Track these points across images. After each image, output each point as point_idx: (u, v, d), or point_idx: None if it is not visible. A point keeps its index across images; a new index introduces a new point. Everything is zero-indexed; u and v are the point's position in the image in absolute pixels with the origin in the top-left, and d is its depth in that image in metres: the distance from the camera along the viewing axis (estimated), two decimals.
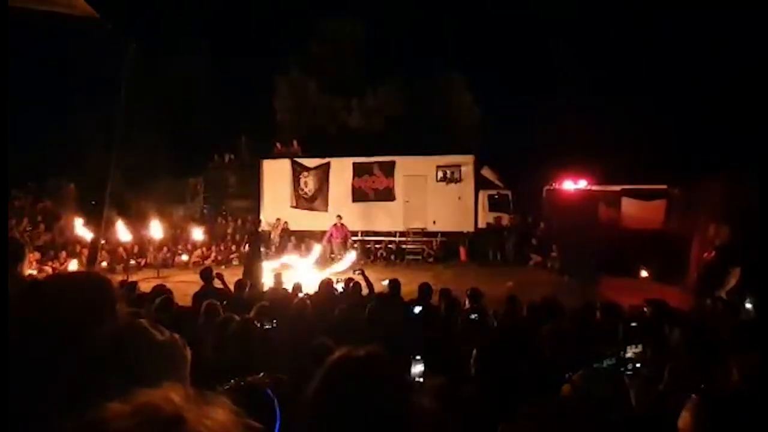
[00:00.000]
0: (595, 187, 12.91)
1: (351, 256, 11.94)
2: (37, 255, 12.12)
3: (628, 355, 2.35)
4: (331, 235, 12.96)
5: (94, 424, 0.50)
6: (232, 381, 1.70)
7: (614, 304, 4.26)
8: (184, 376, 0.96)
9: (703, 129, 15.19)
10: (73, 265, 11.82)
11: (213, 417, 0.54)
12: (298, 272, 9.86)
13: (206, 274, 6.03)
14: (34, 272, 10.28)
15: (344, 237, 12.98)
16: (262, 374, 2.13)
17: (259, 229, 10.42)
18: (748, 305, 4.48)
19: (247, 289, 5.89)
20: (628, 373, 2.35)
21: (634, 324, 3.38)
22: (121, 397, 0.53)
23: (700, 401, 1.21)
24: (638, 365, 2.36)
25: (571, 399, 1.94)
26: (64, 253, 12.66)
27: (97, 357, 0.85)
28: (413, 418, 0.84)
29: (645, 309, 4.26)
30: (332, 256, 12.71)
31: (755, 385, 1.85)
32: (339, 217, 13.17)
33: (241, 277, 7.01)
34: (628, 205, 11.98)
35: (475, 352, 2.59)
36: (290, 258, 11.98)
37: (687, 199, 10.71)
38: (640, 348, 2.39)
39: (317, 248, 12.28)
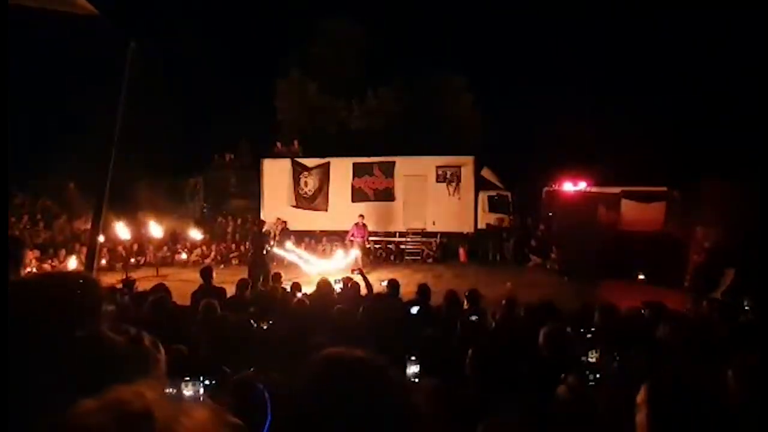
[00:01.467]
0: (594, 189, 12.90)
1: (354, 252, 11.79)
2: (37, 253, 12.13)
3: (591, 359, 2.34)
4: (353, 234, 12.70)
5: (65, 422, 0.50)
6: (224, 368, 1.71)
7: (611, 307, 4.26)
8: (155, 377, 0.95)
9: (703, 131, 15.20)
10: (72, 264, 11.83)
11: (189, 414, 0.54)
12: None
13: (206, 273, 6.02)
14: (34, 270, 10.28)
15: (364, 236, 12.68)
16: (252, 369, 2.13)
17: (263, 230, 10.36)
18: (746, 307, 4.48)
19: (249, 289, 5.89)
20: (591, 383, 2.32)
21: (589, 335, 3.37)
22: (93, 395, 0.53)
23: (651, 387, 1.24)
24: (598, 375, 2.34)
25: (567, 399, 1.95)
26: (63, 251, 12.67)
27: (61, 366, 0.84)
28: (404, 420, 0.84)
29: (643, 311, 4.26)
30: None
31: (753, 386, 1.84)
32: (361, 216, 12.83)
33: (241, 276, 7.01)
34: (627, 207, 11.97)
35: (471, 352, 2.59)
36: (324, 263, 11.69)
37: (687, 202, 10.71)
38: (598, 353, 2.37)
39: (354, 252, 11.96)
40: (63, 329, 0.92)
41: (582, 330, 3.39)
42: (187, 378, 1.10)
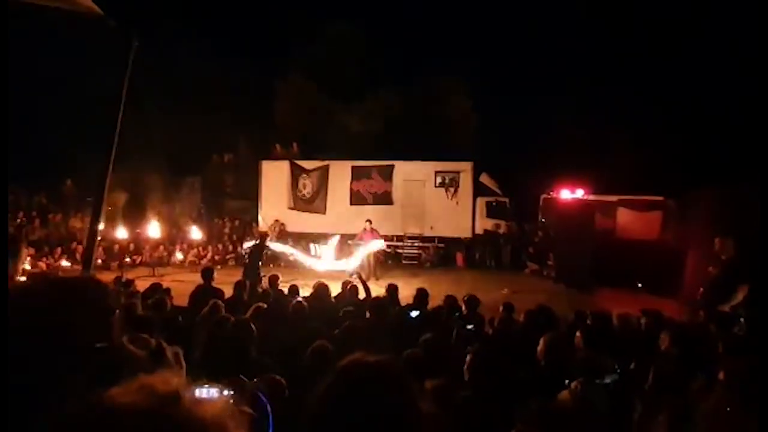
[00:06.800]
0: (591, 197, 12.97)
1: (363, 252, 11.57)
2: (32, 251, 12.05)
3: (606, 381, 2.35)
4: (362, 240, 12.28)
5: (95, 403, 0.53)
6: (228, 377, 1.70)
7: (607, 315, 4.27)
8: None
9: (700, 140, 15.32)
10: (65, 262, 11.76)
11: (208, 401, 0.59)
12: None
13: (207, 274, 5.98)
14: (28, 267, 10.21)
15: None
16: (255, 380, 2.12)
17: (265, 241, 10.34)
18: (741, 318, 4.49)
19: (246, 291, 5.87)
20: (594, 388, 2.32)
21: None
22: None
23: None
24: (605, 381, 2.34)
25: (570, 405, 1.96)
26: (58, 249, 12.60)
27: (71, 378, 0.82)
28: (419, 425, 0.85)
29: (641, 320, 4.28)
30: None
31: (744, 387, 1.86)
32: (369, 221, 12.47)
33: (238, 278, 6.98)
34: (624, 216, 12.04)
35: (469, 357, 2.61)
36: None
37: (683, 211, 10.77)
38: (616, 376, 2.39)
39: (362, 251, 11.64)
40: (71, 339, 0.89)
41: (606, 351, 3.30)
42: (206, 384, 1.08)
